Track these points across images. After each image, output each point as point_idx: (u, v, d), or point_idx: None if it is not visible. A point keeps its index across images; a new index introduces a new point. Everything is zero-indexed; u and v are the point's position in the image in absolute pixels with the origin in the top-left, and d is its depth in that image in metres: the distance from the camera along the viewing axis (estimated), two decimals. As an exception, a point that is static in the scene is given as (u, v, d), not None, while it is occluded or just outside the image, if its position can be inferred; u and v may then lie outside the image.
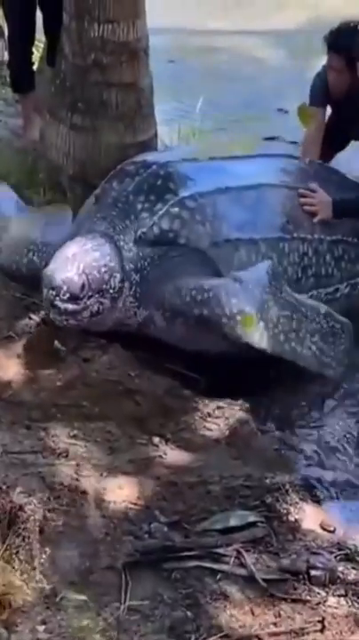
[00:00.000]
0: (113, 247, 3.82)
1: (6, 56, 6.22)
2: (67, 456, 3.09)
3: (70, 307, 3.65)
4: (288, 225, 4.11)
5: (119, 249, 3.83)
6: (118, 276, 3.79)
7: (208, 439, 3.40)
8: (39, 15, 5.49)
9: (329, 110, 5.10)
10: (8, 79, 6.13)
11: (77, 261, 3.69)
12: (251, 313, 3.61)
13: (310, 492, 3.05)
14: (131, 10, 4.81)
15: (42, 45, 6.00)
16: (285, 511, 2.91)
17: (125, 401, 3.55)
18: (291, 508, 2.92)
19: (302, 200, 4.21)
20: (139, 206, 3.90)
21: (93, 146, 4.94)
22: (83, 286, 3.66)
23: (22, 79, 5.65)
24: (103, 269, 3.74)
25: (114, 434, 3.31)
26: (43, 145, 5.25)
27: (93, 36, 4.79)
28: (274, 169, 4.39)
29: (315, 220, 4.20)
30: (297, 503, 2.96)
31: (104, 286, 3.74)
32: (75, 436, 3.25)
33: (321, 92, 4.92)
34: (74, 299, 3.65)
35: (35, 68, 5.75)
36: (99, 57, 4.82)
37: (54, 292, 3.63)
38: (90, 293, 3.69)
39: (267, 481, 3.03)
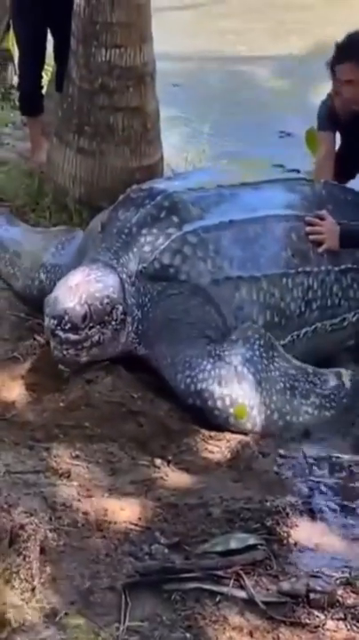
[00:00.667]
0: (116, 279, 3.79)
1: (16, 79, 6.30)
2: (69, 476, 3.11)
3: (71, 336, 3.65)
4: (293, 259, 4.03)
5: (122, 281, 3.80)
6: (120, 307, 3.77)
7: (209, 461, 3.41)
8: (50, 39, 5.55)
9: (338, 138, 4.97)
10: (17, 102, 6.20)
11: (80, 291, 3.68)
12: (243, 404, 3.59)
13: (310, 515, 3.05)
14: (138, 35, 4.88)
15: (51, 69, 6.07)
16: (285, 534, 2.91)
17: (128, 422, 3.56)
18: (292, 531, 2.93)
19: (308, 229, 4.11)
20: (142, 239, 3.85)
21: (99, 169, 5.01)
22: (84, 317, 3.66)
23: (31, 103, 5.72)
24: (106, 301, 3.72)
25: (116, 455, 3.33)
26: (50, 168, 5.30)
27: (100, 60, 4.87)
28: (283, 197, 4.30)
29: (321, 249, 4.11)
30: (297, 526, 2.96)
31: (106, 317, 3.73)
32: (77, 457, 3.27)
33: (327, 117, 4.81)
34: (75, 329, 3.65)
35: (43, 91, 5.81)
36: (106, 81, 4.90)
37: (55, 322, 3.64)
38: (91, 324, 3.68)
39: (268, 504, 3.04)
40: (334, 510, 3.10)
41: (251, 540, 2.86)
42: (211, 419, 3.60)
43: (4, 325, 4.11)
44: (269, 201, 4.21)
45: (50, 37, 5.54)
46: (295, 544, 2.89)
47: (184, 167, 6.44)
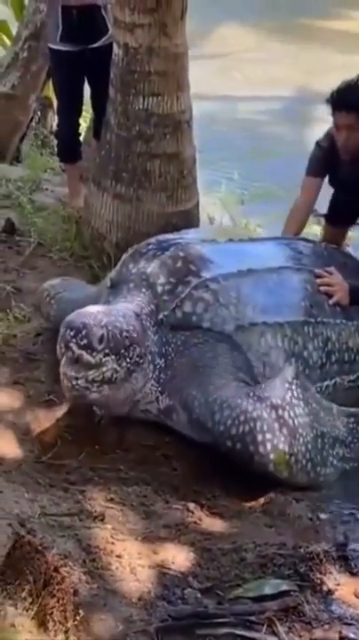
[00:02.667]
0: (139, 323, 3.69)
1: (55, 127, 6.42)
2: (103, 519, 3.13)
3: (84, 356, 3.51)
4: (311, 308, 3.99)
5: (144, 328, 3.71)
6: (138, 349, 3.65)
7: (243, 506, 3.41)
8: (87, 88, 5.65)
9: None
10: (56, 149, 6.31)
11: (101, 316, 3.59)
12: (283, 450, 3.49)
13: (344, 561, 3.03)
14: (176, 83, 4.95)
15: (89, 116, 6.18)
16: (319, 581, 2.90)
17: (161, 466, 3.58)
18: (325, 578, 2.92)
19: (319, 280, 4.09)
20: (160, 289, 3.78)
21: (136, 215, 5.06)
22: (101, 338, 3.52)
23: (69, 150, 5.81)
24: (125, 334, 3.61)
25: (150, 498, 3.35)
26: (88, 213, 5.38)
27: (138, 108, 4.95)
28: (291, 252, 4.28)
29: (331, 301, 4.08)
30: (331, 573, 2.95)
31: (122, 351, 3.60)
32: (111, 500, 3.29)
33: (319, 161, 4.79)
34: (90, 347, 3.51)
35: (81, 138, 5.91)
36: (144, 129, 4.97)
37: (72, 333, 3.50)
38: (107, 350, 3.55)
39: (301, 550, 3.03)
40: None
41: (284, 586, 2.86)
42: (249, 463, 3.49)
43: (41, 368, 4.15)
44: (280, 255, 4.19)
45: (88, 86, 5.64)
46: (328, 591, 2.88)
47: (220, 212, 6.52)
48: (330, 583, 2.90)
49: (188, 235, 4.27)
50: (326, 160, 4.75)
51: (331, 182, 4.88)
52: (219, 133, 8.47)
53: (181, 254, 3.88)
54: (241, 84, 10.21)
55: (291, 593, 2.84)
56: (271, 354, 3.80)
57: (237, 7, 12.55)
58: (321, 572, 2.93)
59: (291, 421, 3.53)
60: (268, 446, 3.47)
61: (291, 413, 3.55)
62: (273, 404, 3.53)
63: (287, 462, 3.49)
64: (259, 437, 3.47)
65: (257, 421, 3.48)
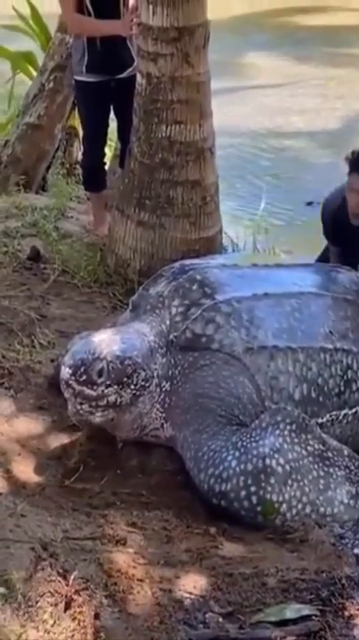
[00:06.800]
0: (145, 345, 3.72)
1: (80, 156, 6.50)
2: (124, 543, 3.13)
3: (85, 391, 3.56)
4: (331, 335, 3.87)
5: (152, 350, 3.73)
6: (142, 373, 3.66)
7: (264, 531, 3.40)
8: (113, 117, 5.72)
9: None
10: (81, 178, 6.38)
11: (102, 347, 3.61)
12: (271, 500, 3.38)
13: (366, 586, 3.03)
14: (198, 111, 5.00)
15: (113, 144, 6.25)
16: (341, 605, 2.89)
17: (182, 491, 3.58)
18: (347, 603, 2.90)
19: None
20: (174, 310, 3.80)
21: (159, 241, 5.11)
22: (100, 372, 3.56)
23: (94, 179, 5.87)
24: (127, 362, 3.62)
25: (171, 523, 3.35)
26: (112, 240, 5.43)
27: (161, 136, 5.00)
28: (319, 278, 4.20)
29: None
30: (353, 598, 2.93)
31: (124, 379, 3.61)
32: (133, 524, 3.29)
33: (331, 229, 4.80)
34: (90, 383, 3.56)
35: (106, 167, 5.97)
36: (166, 156, 5.02)
37: (70, 371, 3.56)
38: (108, 382, 3.58)
39: (324, 575, 3.02)
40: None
41: (306, 611, 2.85)
42: (237, 518, 3.43)
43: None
44: (305, 280, 4.09)
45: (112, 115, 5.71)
46: (350, 616, 2.86)
47: (243, 237, 6.56)
48: (352, 608, 2.89)
49: (215, 260, 4.28)
50: (333, 226, 4.74)
51: (338, 242, 4.82)
52: (241, 160, 8.55)
53: (198, 277, 3.89)
54: (265, 110, 10.29)
55: (313, 618, 2.82)
56: (280, 378, 3.75)
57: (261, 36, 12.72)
58: (343, 597, 2.92)
59: (279, 468, 3.42)
60: (253, 500, 3.40)
61: (281, 460, 3.44)
62: (259, 454, 3.43)
63: (278, 510, 3.40)
64: (243, 493, 3.41)
65: (240, 477, 3.42)
